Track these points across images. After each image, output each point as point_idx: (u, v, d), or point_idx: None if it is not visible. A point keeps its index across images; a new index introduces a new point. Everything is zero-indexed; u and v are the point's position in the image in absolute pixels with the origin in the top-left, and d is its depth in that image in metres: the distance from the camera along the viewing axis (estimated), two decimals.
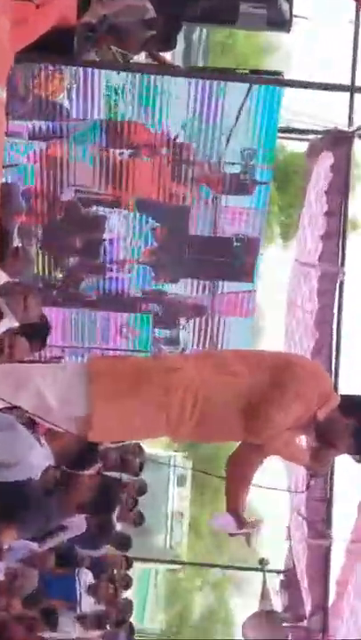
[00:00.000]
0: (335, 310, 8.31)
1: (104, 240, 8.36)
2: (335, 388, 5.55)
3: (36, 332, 7.17)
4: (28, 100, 7.56)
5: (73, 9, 7.28)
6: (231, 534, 4.95)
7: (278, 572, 10.13)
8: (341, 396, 4.82)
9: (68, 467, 7.53)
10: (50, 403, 4.53)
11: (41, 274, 8.30)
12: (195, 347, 8.76)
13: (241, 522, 4.85)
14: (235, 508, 4.88)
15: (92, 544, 8.95)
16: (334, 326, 8.30)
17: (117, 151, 7.88)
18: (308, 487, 6.11)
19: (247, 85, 7.61)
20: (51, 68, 7.50)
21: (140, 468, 10.08)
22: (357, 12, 8.39)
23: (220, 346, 8.75)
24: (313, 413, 4.63)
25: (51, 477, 6.87)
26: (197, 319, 8.75)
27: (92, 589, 9.07)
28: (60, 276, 8.52)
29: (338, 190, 8.30)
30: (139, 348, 8.80)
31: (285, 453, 4.83)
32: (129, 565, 9.99)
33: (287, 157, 14.71)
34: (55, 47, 7.15)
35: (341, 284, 8.33)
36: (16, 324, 6.79)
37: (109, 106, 7.68)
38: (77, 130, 7.77)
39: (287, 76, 8.05)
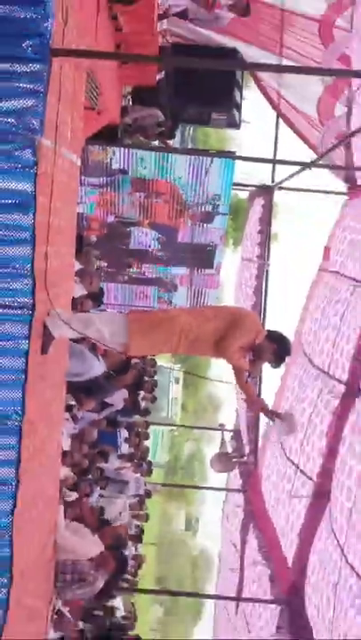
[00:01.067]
0: (264, 285, 8.33)
1: (129, 245, 8.27)
2: (263, 326, 5.46)
3: (97, 298, 7.21)
4: (90, 165, 7.44)
5: (117, 114, 7.30)
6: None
7: (231, 430, 10.19)
8: (267, 330, 4.73)
9: (115, 373, 7.68)
10: (105, 335, 4.38)
11: (97, 265, 8.22)
12: (184, 304, 8.70)
13: (273, 414, 4.66)
14: (261, 404, 4.81)
15: (128, 414, 8.95)
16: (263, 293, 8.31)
17: (139, 194, 7.78)
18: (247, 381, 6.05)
19: (218, 159, 7.63)
20: (104, 147, 7.42)
21: (154, 374, 10.18)
22: (277, 116, 8.35)
23: (198, 304, 8.68)
24: (252, 342, 4.54)
25: (105, 376, 6.99)
26: (183, 288, 8.69)
27: (126, 440, 9.10)
28: (106, 265, 8.46)
29: (265, 220, 8.31)
30: (151, 305, 8.75)
31: (237, 365, 4.69)
32: (147, 426, 9.97)
33: (238, 201, 14.63)
34: (108, 135, 7.19)
35: (267, 270, 8.34)
36: (85, 293, 6.80)
37: (136, 169, 7.58)
38: (117, 182, 7.66)
39: (238, 153, 8.08)
